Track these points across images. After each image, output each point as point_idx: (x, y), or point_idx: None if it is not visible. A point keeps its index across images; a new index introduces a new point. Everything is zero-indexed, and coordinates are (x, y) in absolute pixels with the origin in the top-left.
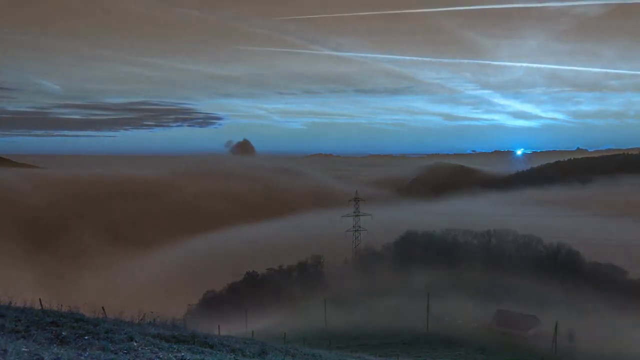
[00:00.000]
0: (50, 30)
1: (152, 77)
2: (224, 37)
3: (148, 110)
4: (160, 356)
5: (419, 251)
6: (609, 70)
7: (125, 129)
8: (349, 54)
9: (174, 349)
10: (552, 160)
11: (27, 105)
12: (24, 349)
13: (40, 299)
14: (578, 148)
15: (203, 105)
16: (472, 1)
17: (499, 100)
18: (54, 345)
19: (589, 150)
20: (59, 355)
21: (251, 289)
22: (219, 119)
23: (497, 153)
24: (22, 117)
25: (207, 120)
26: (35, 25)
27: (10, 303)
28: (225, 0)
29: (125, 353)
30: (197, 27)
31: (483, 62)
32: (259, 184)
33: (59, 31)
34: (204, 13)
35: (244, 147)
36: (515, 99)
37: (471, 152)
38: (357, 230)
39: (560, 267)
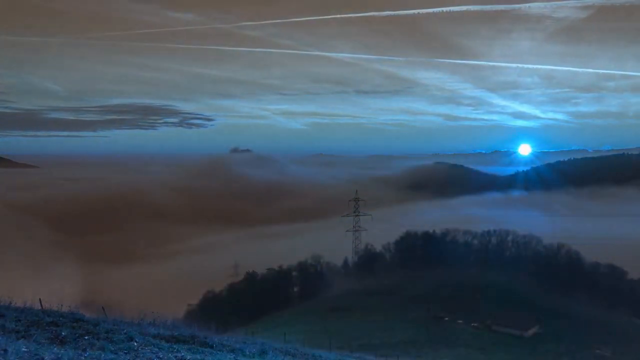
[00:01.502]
0: (48, 32)
1: (151, 79)
2: (219, 40)
3: (145, 111)
4: (160, 356)
5: (418, 251)
6: (600, 71)
7: (123, 129)
8: (347, 55)
9: (174, 349)
10: (552, 161)
11: (26, 106)
12: (24, 349)
13: (40, 299)
14: (578, 148)
15: (200, 106)
16: (457, 2)
17: (498, 101)
18: (54, 345)
19: (589, 150)
20: (59, 355)
21: (251, 289)
22: (216, 119)
23: (497, 153)
24: (20, 117)
25: (204, 121)
26: (33, 29)
27: (10, 303)
28: (217, 4)
29: (125, 353)
30: (193, 31)
31: (481, 63)
32: (258, 184)
33: (57, 33)
34: (198, 17)
35: (243, 148)
36: (514, 100)
37: (471, 152)
38: (357, 230)
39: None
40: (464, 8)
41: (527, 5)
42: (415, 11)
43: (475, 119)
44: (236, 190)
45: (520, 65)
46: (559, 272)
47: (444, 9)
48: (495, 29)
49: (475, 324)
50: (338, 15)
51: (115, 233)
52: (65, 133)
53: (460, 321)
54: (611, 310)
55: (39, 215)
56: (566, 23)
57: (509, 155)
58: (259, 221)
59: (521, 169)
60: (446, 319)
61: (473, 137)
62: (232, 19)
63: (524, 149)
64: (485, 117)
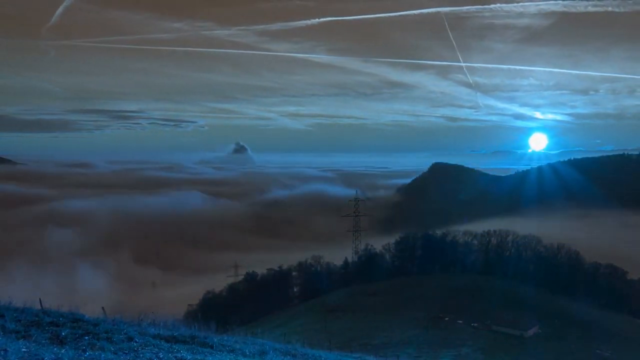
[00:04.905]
0: (46, 35)
1: (151, 83)
2: (214, 46)
3: (144, 114)
4: (160, 356)
5: (418, 251)
6: (593, 74)
7: (122, 130)
8: (345, 58)
9: (174, 349)
10: (552, 161)
11: (26, 107)
12: (24, 349)
13: (40, 299)
14: (578, 149)
15: (201, 108)
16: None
17: (498, 102)
18: (54, 345)
19: (589, 150)
20: (59, 355)
21: (251, 289)
22: (218, 121)
23: (496, 153)
24: (20, 118)
25: (204, 123)
26: (32, 33)
27: (10, 303)
28: (208, 13)
29: (125, 353)
30: (187, 37)
31: (482, 65)
32: (260, 185)
33: (57, 36)
34: (189, 26)
35: (243, 150)
36: (514, 102)
37: (471, 152)
38: (357, 230)
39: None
40: (432, 10)
41: (498, 5)
42: (387, 14)
43: (475, 120)
44: (235, 190)
45: (514, 67)
46: (559, 272)
47: (415, 11)
48: (480, 31)
49: (475, 324)
50: (323, 19)
51: None
52: (58, 134)
53: (460, 321)
54: (611, 310)
55: None
56: (533, 29)
57: (509, 156)
58: (259, 219)
59: (521, 169)
60: (446, 319)
61: (473, 137)
62: (215, 25)
63: (524, 150)
64: (486, 118)
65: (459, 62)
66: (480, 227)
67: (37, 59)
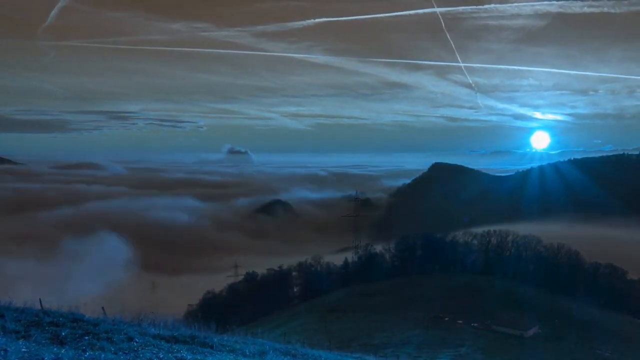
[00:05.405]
0: (42, 36)
1: (150, 83)
2: (210, 45)
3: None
4: (160, 356)
5: (418, 251)
6: (592, 74)
7: (121, 131)
8: (344, 58)
9: (174, 349)
10: (552, 161)
11: (26, 107)
12: (24, 349)
13: (40, 299)
14: (577, 149)
15: (200, 108)
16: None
17: (498, 103)
18: (54, 345)
19: (589, 150)
20: (59, 356)
21: (251, 289)
22: (218, 121)
23: (496, 153)
24: (20, 118)
25: (203, 123)
26: (31, 33)
27: (10, 303)
28: (205, 14)
29: (125, 353)
30: (186, 39)
31: (480, 66)
32: (260, 186)
33: (55, 36)
34: (186, 27)
35: (242, 150)
36: (514, 102)
37: (471, 152)
38: (357, 230)
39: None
40: (429, 10)
41: (493, 6)
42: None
43: (475, 120)
44: (234, 191)
45: (513, 67)
46: (559, 272)
47: (411, 11)
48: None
49: (475, 324)
50: (320, 20)
51: None
52: (57, 134)
53: (460, 321)
54: (611, 310)
55: None
56: (529, 30)
57: (509, 156)
58: (261, 221)
59: (521, 169)
60: (446, 319)
61: (473, 137)
62: (213, 26)
63: (523, 150)
64: (486, 118)
65: (458, 62)
66: (480, 227)
67: (36, 60)
